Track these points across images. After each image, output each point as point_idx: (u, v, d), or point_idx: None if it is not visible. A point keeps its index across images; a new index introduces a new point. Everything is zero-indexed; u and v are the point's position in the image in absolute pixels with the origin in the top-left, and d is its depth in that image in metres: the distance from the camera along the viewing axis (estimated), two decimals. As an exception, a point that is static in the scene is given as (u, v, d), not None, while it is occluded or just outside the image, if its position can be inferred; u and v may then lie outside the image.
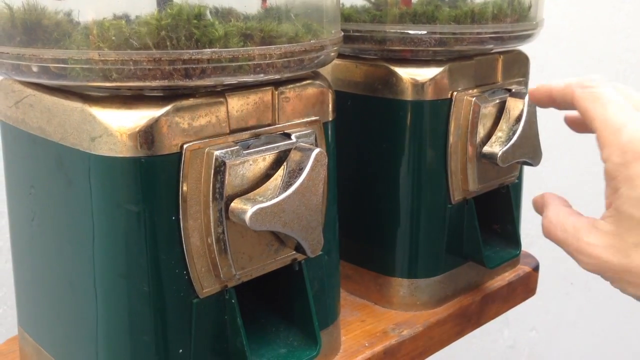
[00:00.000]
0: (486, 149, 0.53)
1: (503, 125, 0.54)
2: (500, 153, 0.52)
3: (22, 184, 0.42)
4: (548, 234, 0.42)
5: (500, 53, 0.56)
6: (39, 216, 0.41)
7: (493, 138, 0.54)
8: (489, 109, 0.53)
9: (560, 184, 1.21)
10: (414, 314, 0.55)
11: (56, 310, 0.42)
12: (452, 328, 0.56)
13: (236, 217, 0.37)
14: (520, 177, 0.61)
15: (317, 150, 0.38)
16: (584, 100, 0.40)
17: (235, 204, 0.37)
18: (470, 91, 0.53)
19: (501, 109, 0.54)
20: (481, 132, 0.53)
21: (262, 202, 0.37)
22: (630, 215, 0.36)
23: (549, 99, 0.43)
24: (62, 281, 0.41)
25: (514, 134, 0.53)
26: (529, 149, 0.54)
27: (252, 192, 0.38)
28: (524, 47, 0.59)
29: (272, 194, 0.38)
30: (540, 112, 0.52)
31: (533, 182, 0.92)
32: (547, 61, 1.12)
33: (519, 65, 0.58)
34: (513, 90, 0.55)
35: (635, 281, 0.36)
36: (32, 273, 0.44)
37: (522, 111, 0.53)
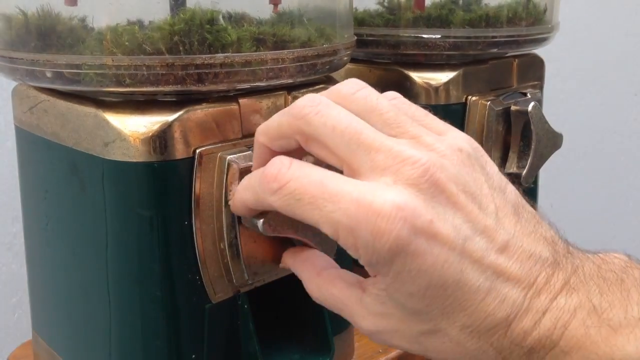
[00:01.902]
0: (507, 170, 0.53)
1: (513, 143, 0.53)
2: (523, 175, 0.52)
3: (37, 188, 0.43)
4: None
5: (515, 57, 0.56)
6: (53, 221, 0.42)
7: (510, 156, 0.53)
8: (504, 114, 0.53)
9: (576, 187, 1.20)
10: (428, 319, 0.54)
11: (70, 315, 0.42)
12: (467, 334, 0.56)
13: (249, 223, 0.37)
14: (535, 182, 0.60)
15: None
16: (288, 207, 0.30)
17: None
18: (485, 95, 0.53)
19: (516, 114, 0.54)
20: (496, 136, 0.53)
21: None
22: (403, 305, 0.30)
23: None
24: (75, 286, 0.41)
25: (528, 149, 0.52)
26: (548, 150, 0.54)
27: None
28: (539, 51, 0.58)
29: None
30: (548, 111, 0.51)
31: (549, 187, 0.91)
32: (563, 65, 1.11)
33: (534, 69, 0.57)
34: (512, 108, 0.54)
35: (435, 357, 0.32)
36: (46, 277, 0.44)
37: (529, 127, 0.52)
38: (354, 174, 0.30)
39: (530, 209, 0.32)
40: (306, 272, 0.35)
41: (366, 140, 0.30)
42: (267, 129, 0.34)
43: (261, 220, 0.36)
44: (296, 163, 0.30)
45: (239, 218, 0.37)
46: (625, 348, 0.28)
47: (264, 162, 0.33)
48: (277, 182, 0.30)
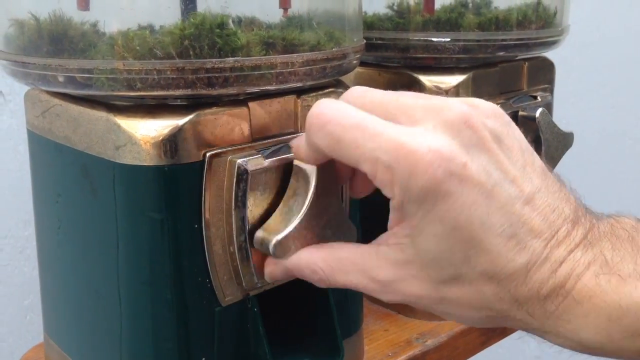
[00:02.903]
0: None
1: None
2: None
3: (49, 192, 0.43)
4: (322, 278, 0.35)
5: (525, 60, 0.55)
6: (65, 224, 0.42)
7: None
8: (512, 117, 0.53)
9: (586, 190, 1.19)
10: (438, 323, 0.54)
11: (81, 318, 0.42)
12: (477, 338, 0.55)
13: (260, 246, 0.37)
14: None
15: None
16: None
17: (259, 234, 0.37)
18: (495, 98, 0.52)
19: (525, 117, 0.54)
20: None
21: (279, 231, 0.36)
22: (426, 250, 0.31)
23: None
24: (86, 288, 0.41)
25: (538, 154, 0.52)
26: (559, 152, 0.53)
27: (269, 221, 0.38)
28: (550, 54, 0.58)
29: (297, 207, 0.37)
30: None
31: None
32: (573, 67, 1.11)
33: (544, 71, 0.57)
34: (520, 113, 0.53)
35: (453, 312, 0.33)
36: (57, 280, 0.45)
37: (538, 135, 0.52)
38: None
39: (556, 177, 0.34)
40: (305, 252, 0.36)
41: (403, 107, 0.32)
42: (299, 154, 0.36)
43: (271, 246, 0.36)
44: (337, 104, 0.32)
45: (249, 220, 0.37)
46: (632, 295, 0.30)
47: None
48: (318, 119, 0.31)
